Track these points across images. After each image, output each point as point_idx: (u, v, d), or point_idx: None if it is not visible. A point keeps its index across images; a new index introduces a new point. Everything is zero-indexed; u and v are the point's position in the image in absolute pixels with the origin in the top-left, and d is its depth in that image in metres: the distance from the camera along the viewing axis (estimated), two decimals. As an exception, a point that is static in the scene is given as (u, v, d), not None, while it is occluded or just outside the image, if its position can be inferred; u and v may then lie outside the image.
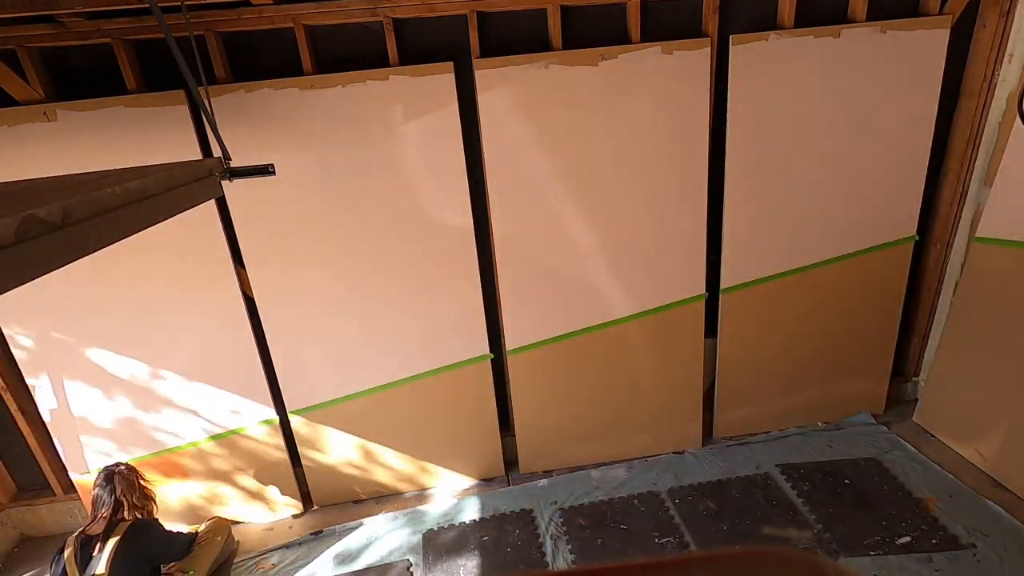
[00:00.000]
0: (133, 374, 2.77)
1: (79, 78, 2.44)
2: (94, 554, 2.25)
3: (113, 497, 2.38)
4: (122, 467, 2.52)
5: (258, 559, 2.87)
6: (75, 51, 2.41)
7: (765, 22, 2.67)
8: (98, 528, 2.34)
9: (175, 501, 3.05)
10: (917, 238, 3.05)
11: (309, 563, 2.80)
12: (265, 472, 3.06)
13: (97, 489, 2.43)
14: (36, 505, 3.15)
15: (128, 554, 2.28)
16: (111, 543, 2.26)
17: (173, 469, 2.98)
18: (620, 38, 2.61)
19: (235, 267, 2.68)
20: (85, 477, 2.92)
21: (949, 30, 2.66)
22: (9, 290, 0.74)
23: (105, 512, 2.37)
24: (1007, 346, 2.77)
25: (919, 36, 2.65)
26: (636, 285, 2.95)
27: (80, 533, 2.34)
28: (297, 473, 3.10)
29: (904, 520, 2.66)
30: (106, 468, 2.50)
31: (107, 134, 2.38)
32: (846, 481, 2.93)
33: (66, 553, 2.28)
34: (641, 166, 2.73)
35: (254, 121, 2.46)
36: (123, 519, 2.37)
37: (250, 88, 2.42)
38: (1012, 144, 2.70)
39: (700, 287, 2.99)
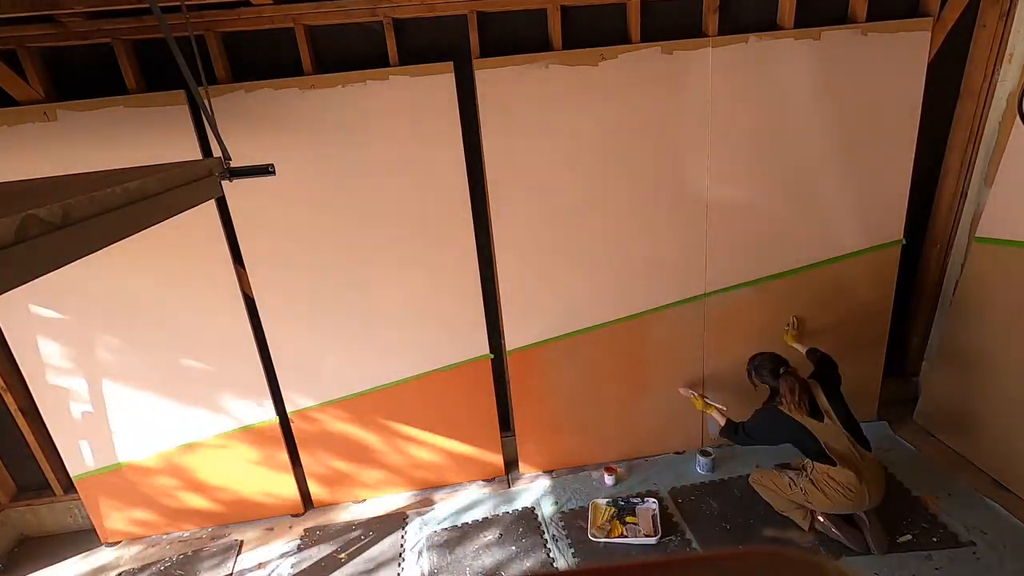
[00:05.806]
0: (134, 374, 2.77)
1: (79, 78, 2.43)
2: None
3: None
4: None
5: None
6: (75, 51, 2.40)
7: (766, 22, 2.67)
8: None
9: (173, 500, 3.05)
10: (904, 242, 3.04)
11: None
12: (265, 473, 3.06)
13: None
14: (36, 505, 3.15)
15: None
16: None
17: (174, 467, 2.99)
18: (620, 38, 2.61)
19: (235, 267, 2.68)
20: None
21: (931, 32, 2.65)
22: (9, 290, 0.74)
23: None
24: (1007, 346, 2.77)
25: (901, 39, 2.63)
26: (636, 285, 2.95)
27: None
28: (297, 473, 3.10)
29: (904, 518, 2.66)
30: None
31: (107, 134, 2.38)
32: (846, 481, 2.93)
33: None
34: (642, 165, 2.73)
35: (254, 121, 2.46)
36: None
37: (250, 88, 2.42)
38: (1012, 144, 2.70)
39: (701, 287, 2.99)
